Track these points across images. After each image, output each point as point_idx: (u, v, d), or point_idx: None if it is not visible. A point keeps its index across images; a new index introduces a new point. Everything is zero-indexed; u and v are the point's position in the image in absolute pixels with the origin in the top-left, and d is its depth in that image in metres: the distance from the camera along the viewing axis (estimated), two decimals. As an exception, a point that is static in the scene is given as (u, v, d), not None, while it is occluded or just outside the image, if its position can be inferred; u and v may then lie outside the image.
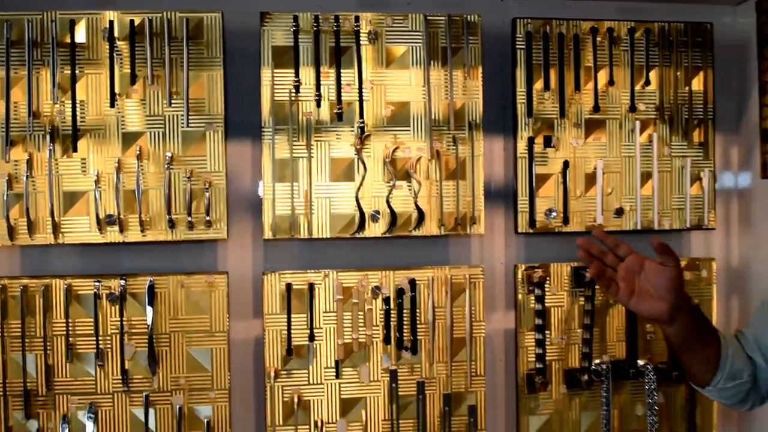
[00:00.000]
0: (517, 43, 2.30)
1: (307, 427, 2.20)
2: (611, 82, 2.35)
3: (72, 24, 2.10)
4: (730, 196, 2.51)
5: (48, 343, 2.11)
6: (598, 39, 2.33)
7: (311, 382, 2.20)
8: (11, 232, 2.10)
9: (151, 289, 2.12)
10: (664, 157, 2.39)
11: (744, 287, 2.46)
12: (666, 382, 2.35)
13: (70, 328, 2.11)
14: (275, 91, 2.19)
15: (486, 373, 2.28)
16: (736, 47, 2.46)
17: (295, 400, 2.19)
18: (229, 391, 2.16)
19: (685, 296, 1.37)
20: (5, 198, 2.09)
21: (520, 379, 2.31)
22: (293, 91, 2.20)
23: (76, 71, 2.11)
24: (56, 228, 2.11)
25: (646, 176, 2.37)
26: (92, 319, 2.11)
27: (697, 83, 2.39)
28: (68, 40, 2.11)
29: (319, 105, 2.21)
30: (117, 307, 2.13)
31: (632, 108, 2.36)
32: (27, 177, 2.10)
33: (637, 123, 2.36)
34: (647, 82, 2.38)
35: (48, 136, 2.11)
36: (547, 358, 2.31)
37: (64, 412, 2.12)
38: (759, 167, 2.38)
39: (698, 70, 2.39)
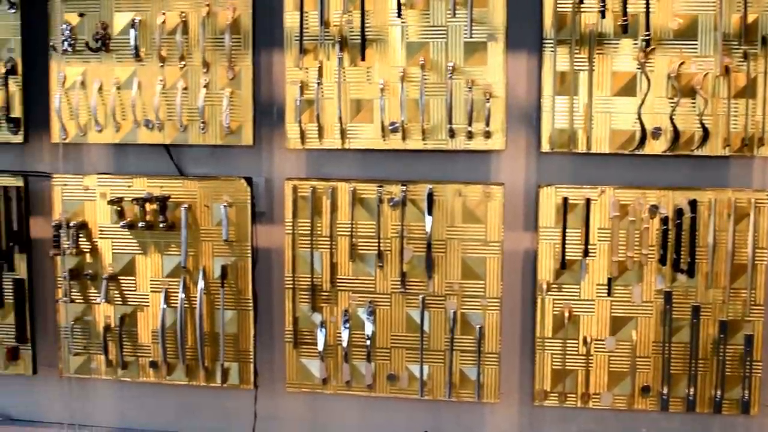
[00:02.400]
0: (825, -51, 2.23)
1: (576, 341, 2.32)
2: None
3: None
4: None
5: (333, 243, 2.34)
6: None
7: (582, 297, 2.31)
8: (302, 136, 2.33)
9: (430, 196, 2.30)
10: None
11: None
12: None
13: (353, 230, 2.33)
14: (558, 1, 2.26)
15: (766, 302, 2.29)
16: None
17: (565, 314, 2.31)
18: (501, 300, 2.31)
19: None
20: (298, 103, 2.31)
21: (802, 311, 2.30)
22: (577, 1, 2.26)
23: (367, -19, 2.28)
24: (343, 134, 2.32)
25: None
26: (374, 222, 2.32)
27: None
28: (359, -49, 2.27)
29: (603, 16, 2.26)
30: (397, 212, 2.32)
31: None
32: (318, 84, 2.31)
33: None
34: None
35: (337, 45, 2.30)
36: (834, 291, 2.28)
37: (345, 308, 2.36)
38: None
39: None
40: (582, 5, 2.27)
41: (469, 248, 2.32)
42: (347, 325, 2.36)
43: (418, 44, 2.30)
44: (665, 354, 2.30)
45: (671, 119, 2.26)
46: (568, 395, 2.34)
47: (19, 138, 2.49)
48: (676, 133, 2.26)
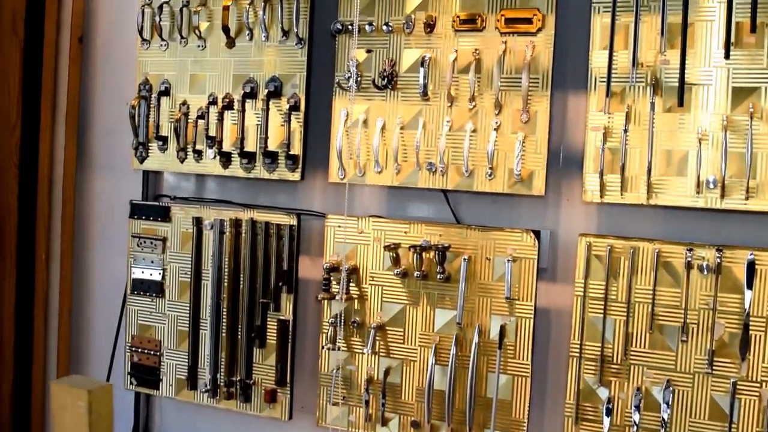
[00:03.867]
0: None
1: None
2: None
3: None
4: None
5: (630, 310, 2.13)
6: None
7: None
8: (602, 188, 2.14)
9: (751, 265, 2.03)
10: None
11: None
12: None
13: (654, 297, 2.10)
14: None
15: None
16: None
17: None
18: (833, 394, 1.99)
19: None
20: (601, 152, 2.13)
21: None
22: None
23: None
24: (650, 188, 2.10)
25: None
26: (680, 290, 2.09)
27: None
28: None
29: None
30: (709, 280, 2.07)
31: None
32: (624, 131, 2.12)
33: None
34: None
35: (650, 89, 2.10)
36: None
37: (638, 385, 2.13)
38: None
39: None
40: None
41: (795, 329, 2.03)
42: (639, 405, 2.12)
43: (747, 89, 2.06)
44: None
45: None
46: None
47: (296, 176, 2.49)
48: None
